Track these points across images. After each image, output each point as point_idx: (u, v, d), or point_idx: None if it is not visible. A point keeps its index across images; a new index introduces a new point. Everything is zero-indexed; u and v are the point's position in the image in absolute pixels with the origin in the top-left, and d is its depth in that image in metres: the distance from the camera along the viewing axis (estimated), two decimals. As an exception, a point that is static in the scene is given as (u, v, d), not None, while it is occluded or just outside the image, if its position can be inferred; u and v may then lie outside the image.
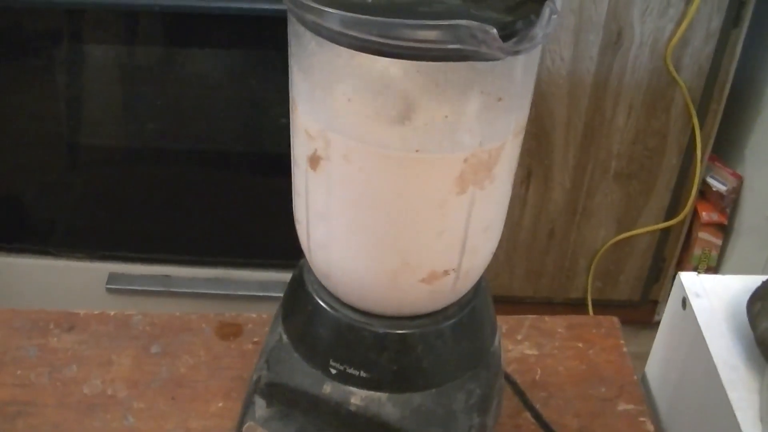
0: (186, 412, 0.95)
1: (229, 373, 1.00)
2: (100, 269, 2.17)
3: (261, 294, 2.13)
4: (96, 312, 1.07)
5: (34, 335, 1.04)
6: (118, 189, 2.11)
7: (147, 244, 2.16)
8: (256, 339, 1.03)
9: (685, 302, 0.99)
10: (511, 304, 2.39)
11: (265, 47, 1.84)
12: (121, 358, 1.02)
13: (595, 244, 2.32)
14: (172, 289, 2.15)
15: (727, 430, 0.87)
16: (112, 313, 1.07)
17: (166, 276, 2.16)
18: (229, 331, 1.04)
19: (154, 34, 1.87)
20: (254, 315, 1.07)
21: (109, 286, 2.16)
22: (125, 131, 2.01)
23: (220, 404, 0.96)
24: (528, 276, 2.37)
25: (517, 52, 0.57)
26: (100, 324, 1.06)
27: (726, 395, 0.88)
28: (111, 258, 2.17)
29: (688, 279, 1.01)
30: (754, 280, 0.97)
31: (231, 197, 2.11)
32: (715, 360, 0.92)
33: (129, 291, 2.15)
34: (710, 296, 0.99)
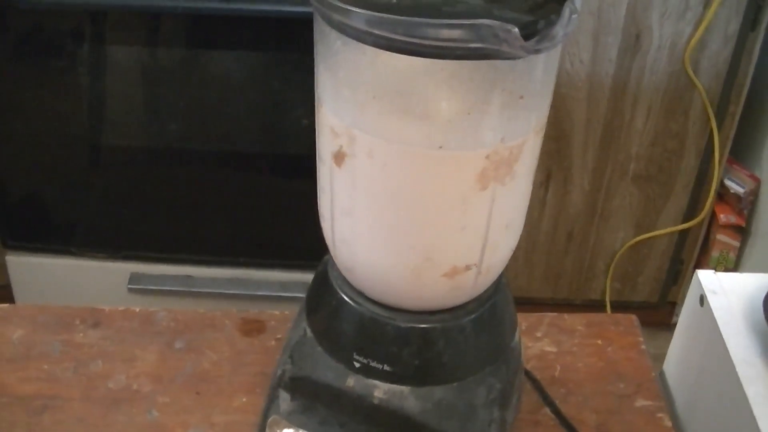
0: (210, 406, 0.97)
1: (253, 369, 1.01)
2: (121, 269, 2.19)
3: (281, 294, 2.14)
4: (121, 308, 1.09)
5: (59, 331, 1.06)
6: (139, 189, 2.13)
7: (168, 244, 2.18)
8: (278, 336, 1.04)
9: (702, 299, 1.00)
10: (530, 305, 2.39)
11: (285, 49, 1.85)
12: (145, 353, 1.03)
13: (614, 245, 2.32)
14: (193, 289, 2.17)
15: (745, 426, 0.88)
16: (136, 309, 1.09)
17: (188, 276, 2.18)
18: (252, 328, 1.06)
19: (176, 36, 1.89)
20: (277, 312, 1.08)
21: (130, 286, 2.17)
22: (147, 132, 2.03)
23: (244, 399, 0.97)
24: (547, 278, 2.38)
25: (538, 51, 0.59)
26: (125, 320, 1.08)
27: (743, 391, 0.89)
28: (132, 258, 2.19)
29: (705, 277, 1.02)
30: (771, 278, 0.99)
31: (252, 198, 2.12)
32: (733, 356, 0.93)
33: (150, 291, 2.17)
34: (727, 294, 1.00)
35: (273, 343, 1.04)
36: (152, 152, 2.07)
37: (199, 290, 2.16)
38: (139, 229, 2.17)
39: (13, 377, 1.00)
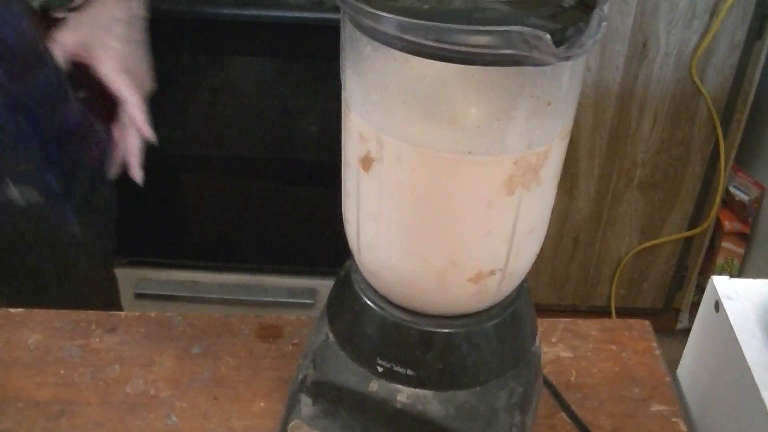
0: (228, 412, 0.97)
1: (270, 374, 1.01)
2: (128, 275, 2.19)
3: (289, 300, 2.15)
4: (137, 313, 1.09)
5: (76, 336, 1.06)
6: (145, 194, 2.13)
7: (175, 250, 2.18)
8: (295, 340, 1.05)
9: (717, 305, 1.01)
10: (537, 311, 2.39)
11: (296, 55, 1.86)
12: (162, 358, 1.04)
13: (619, 252, 2.33)
14: (200, 295, 2.17)
15: (760, 429, 0.89)
16: (152, 314, 1.09)
17: (194, 282, 2.18)
18: (269, 333, 1.06)
19: (185, 41, 1.89)
20: (293, 317, 1.08)
21: (137, 292, 2.18)
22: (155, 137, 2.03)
23: (262, 404, 0.98)
24: (553, 284, 2.39)
25: (568, 58, 0.59)
26: (141, 325, 1.08)
27: (760, 396, 0.90)
28: (139, 264, 2.19)
29: (720, 282, 1.02)
30: (786, 284, 0.99)
31: (260, 204, 2.13)
32: (749, 361, 0.93)
33: (157, 296, 2.17)
34: (742, 299, 1.01)
35: (290, 348, 1.04)
36: (160, 158, 2.07)
37: (206, 296, 2.16)
38: (145, 234, 2.18)
39: (30, 382, 1.00)
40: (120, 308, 1.43)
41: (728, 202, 2.33)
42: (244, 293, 2.18)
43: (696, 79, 2.03)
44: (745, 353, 0.94)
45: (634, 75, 2.03)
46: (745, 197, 2.30)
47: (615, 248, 2.33)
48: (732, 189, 2.31)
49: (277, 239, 2.16)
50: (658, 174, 2.19)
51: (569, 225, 2.27)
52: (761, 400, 0.89)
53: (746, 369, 0.93)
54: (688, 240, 2.31)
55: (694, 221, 2.28)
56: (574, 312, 2.42)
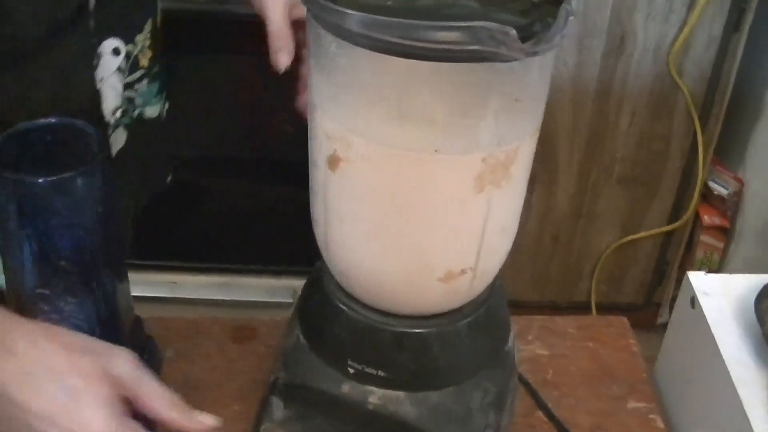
0: (202, 415, 0.96)
1: (244, 376, 1.00)
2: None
3: (268, 300, 2.14)
4: (110, 316, 1.08)
5: (48, 340, 1.05)
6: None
7: (152, 251, 2.17)
8: (269, 342, 1.04)
9: (693, 301, 1.00)
10: (517, 308, 2.38)
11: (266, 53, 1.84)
12: (135, 361, 1.02)
13: (599, 247, 2.33)
14: (178, 296, 2.15)
15: (737, 427, 0.88)
16: (126, 317, 1.08)
17: (173, 283, 2.17)
18: (243, 335, 1.05)
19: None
20: (267, 318, 1.07)
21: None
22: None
23: (236, 407, 0.97)
24: (533, 280, 2.38)
25: (535, 53, 0.59)
26: (114, 328, 1.07)
27: (736, 392, 0.89)
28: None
29: (696, 278, 1.02)
30: (762, 279, 0.99)
31: (238, 203, 2.12)
32: (725, 357, 0.93)
33: (135, 298, 2.15)
34: (718, 295, 1.00)
35: (264, 349, 1.03)
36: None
37: (185, 297, 2.15)
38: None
39: None
40: None
41: (707, 196, 2.33)
42: (223, 293, 2.16)
43: (674, 73, 2.03)
44: (720, 349, 0.94)
45: (611, 70, 2.03)
46: (724, 191, 2.30)
47: (595, 244, 2.32)
48: (711, 183, 2.31)
49: (256, 239, 2.15)
50: (638, 169, 2.19)
51: (549, 221, 2.26)
52: (737, 395, 0.89)
53: (722, 364, 0.93)
54: (668, 235, 2.31)
55: (674, 216, 2.28)
56: (554, 308, 2.41)
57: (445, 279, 0.72)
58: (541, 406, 0.99)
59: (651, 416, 0.99)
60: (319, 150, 0.70)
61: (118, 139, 1.03)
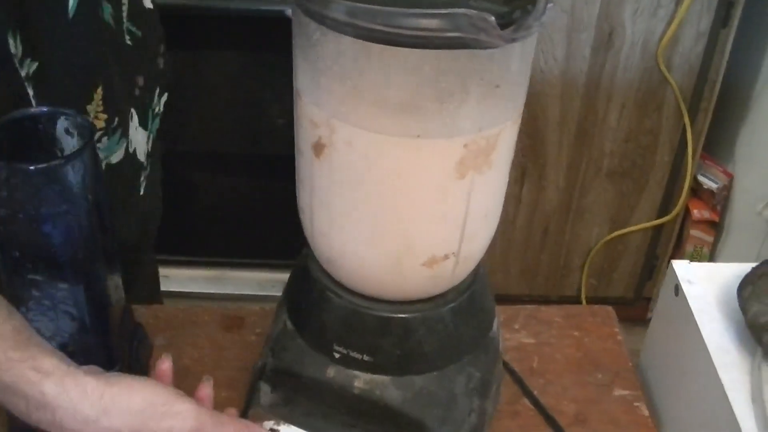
0: (191, 401, 0.97)
1: (233, 363, 1.01)
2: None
3: (259, 293, 2.14)
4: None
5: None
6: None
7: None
8: (258, 330, 1.05)
9: (677, 289, 1.01)
10: (507, 302, 2.39)
11: (267, 49, 1.85)
12: (126, 350, 1.03)
13: (589, 242, 2.34)
14: (169, 290, 2.16)
15: (720, 411, 0.89)
16: (116, 307, 1.08)
17: (164, 276, 2.17)
18: (233, 324, 1.06)
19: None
20: (257, 308, 1.08)
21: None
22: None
23: (224, 394, 0.97)
24: (523, 274, 2.39)
25: (514, 40, 0.60)
26: (105, 318, 1.07)
27: (718, 377, 0.90)
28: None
29: (680, 267, 1.03)
30: (744, 267, 1.00)
31: (230, 197, 2.12)
32: (708, 343, 0.94)
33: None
34: (702, 283, 1.01)
35: (253, 338, 1.04)
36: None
37: (176, 290, 2.16)
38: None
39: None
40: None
41: (697, 190, 2.34)
42: (214, 287, 2.17)
43: (662, 68, 2.04)
44: (703, 335, 0.95)
45: (600, 64, 2.04)
46: (713, 185, 2.31)
47: (585, 238, 2.33)
48: (700, 177, 2.32)
49: (246, 233, 2.16)
50: (627, 163, 2.20)
51: (539, 215, 2.27)
52: (719, 381, 0.90)
53: (705, 351, 0.94)
54: (658, 229, 2.32)
55: (663, 210, 2.29)
56: (544, 303, 2.42)
57: (428, 264, 0.73)
58: (527, 393, 1.00)
59: (636, 404, 1.00)
60: (304, 137, 0.71)
61: None
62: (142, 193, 1.15)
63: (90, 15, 0.95)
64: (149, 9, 1.11)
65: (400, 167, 0.67)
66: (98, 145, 1.00)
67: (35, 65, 0.89)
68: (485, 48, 0.60)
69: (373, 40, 0.60)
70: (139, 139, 1.11)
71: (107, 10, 0.99)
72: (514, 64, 0.67)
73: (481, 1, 0.61)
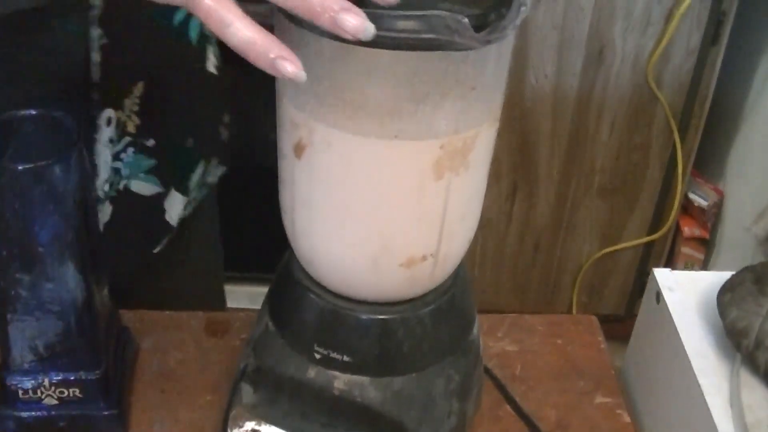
0: (175, 404, 0.98)
1: (218, 367, 1.02)
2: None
3: (248, 307, 2.14)
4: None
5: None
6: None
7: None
8: (243, 335, 1.06)
9: (658, 296, 1.02)
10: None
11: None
12: (112, 355, 1.04)
13: (580, 258, 2.35)
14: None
15: (699, 416, 0.90)
16: (103, 311, 1.09)
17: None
18: (218, 328, 1.07)
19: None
20: (242, 313, 1.09)
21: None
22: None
23: (208, 397, 0.98)
24: (514, 290, 2.40)
25: (488, 42, 0.61)
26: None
27: (698, 382, 0.92)
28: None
29: (661, 274, 1.04)
30: (724, 275, 1.01)
31: (222, 211, 2.13)
32: (687, 349, 0.95)
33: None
34: (683, 290, 1.03)
35: (238, 342, 1.05)
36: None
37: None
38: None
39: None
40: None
41: (687, 207, 2.35)
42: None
43: (652, 84, 2.05)
44: (684, 342, 0.96)
45: (591, 81, 2.05)
46: (704, 202, 2.32)
47: (575, 254, 2.34)
48: (691, 194, 2.33)
49: (239, 247, 2.16)
50: (617, 180, 2.21)
51: (529, 231, 2.29)
52: (698, 386, 0.91)
53: (684, 356, 0.95)
54: (648, 246, 2.33)
55: (654, 227, 2.30)
56: (535, 317, 2.43)
57: (407, 264, 0.74)
58: (509, 399, 1.01)
59: (618, 411, 1.01)
60: (285, 138, 0.72)
61: (104, 213, 1.02)
62: (156, 251, 1.12)
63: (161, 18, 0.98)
64: (212, 74, 1.10)
65: (377, 168, 0.68)
66: (121, 156, 1.00)
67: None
68: (460, 50, 0.61)
69: (348, 41, 0.61)
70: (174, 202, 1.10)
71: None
72: (489, 66, 0.68)
73: (455, 3, 0.62)
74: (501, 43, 0.65)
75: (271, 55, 0.59)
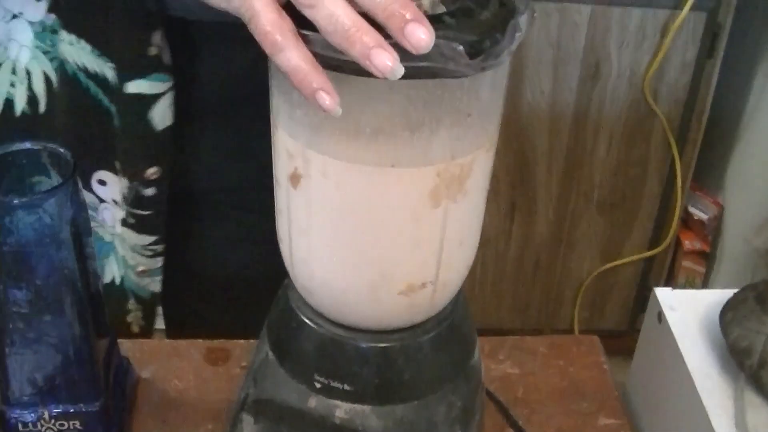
0: (176, 434, 0.97)
1: (218, 396, 1.01)
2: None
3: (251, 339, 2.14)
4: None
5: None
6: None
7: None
8: (243, 363, 1.05)
9: (660, 316, 1.02)
10: (499, 336, 2.40)
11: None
12: (112, 385, 1.04)
13: (581, 274, 2.34)
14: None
15: (703, 437, 0.90)
16: (102, 341, 1.09)
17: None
18: (218, 356, 1.06)
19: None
20: (242, 341, 1.09)
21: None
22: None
23: (209, 426, 0.98)
24: (515, 308, 2.39)
25: (483, 69, 0.61)
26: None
27: (702, 403, 0.91)
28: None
29: (662, 294, 1.04)
30: (726, 293, 1.00)
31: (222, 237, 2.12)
32: (690, 369, 0.94)
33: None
34: (685, 309, 1.02)
35: (238, 370, 1.05)
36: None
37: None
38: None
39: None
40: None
41: (687, 221, 2.35)
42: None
43: (649, 99, 2.05)
44: (686, 361, 0.96)
45: (587, 97, 2.05)
46: (704, 216, 2.32)
47: (576, 270, 2.34)
48: (691, 208, 2.33)
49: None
50: (616, 195, 2.21)
51: (530, 248, 2.28)
52: (703, 406, 0.91)
53: (688, 377, 0.94)
54: (649, 260, 2.33)
55: (654, 241, 2.30)
56: (537, 335, 2.43)
57: (406, 292, 0.74)
58: (512, 423, 1.00)
59: (621, 432, 1.01)
60: (281, 168, 0.72)
61: None
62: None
63: None
64: None
65: (374, 196, 0.68)
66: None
67: None
68: (455, 77, 0.60)
69: (344, 71, 0.61)
70: None
71: None
72: (485, 92, 0.67)
73: (451, 30, 0.61)
74: (496, 69, 0.65)
75: (315, 85, 0.61)
